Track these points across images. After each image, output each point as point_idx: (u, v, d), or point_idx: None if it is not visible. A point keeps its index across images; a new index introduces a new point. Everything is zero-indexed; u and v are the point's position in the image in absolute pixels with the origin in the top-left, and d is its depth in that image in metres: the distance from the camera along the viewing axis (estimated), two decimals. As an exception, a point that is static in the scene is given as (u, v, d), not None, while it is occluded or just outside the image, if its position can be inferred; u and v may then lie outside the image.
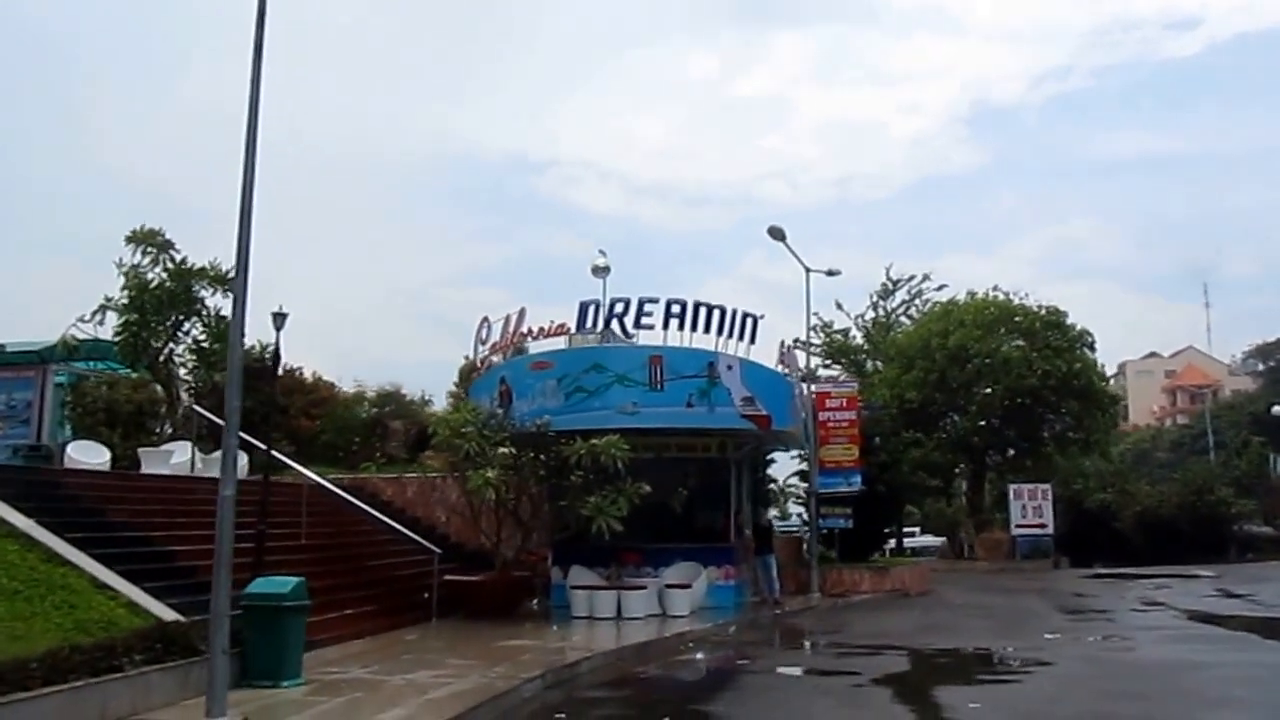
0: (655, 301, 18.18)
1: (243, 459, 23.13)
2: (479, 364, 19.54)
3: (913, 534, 53.49)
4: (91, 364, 26.80)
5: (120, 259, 23.68)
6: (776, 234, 23.25)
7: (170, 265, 23.48)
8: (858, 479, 23.75)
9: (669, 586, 18.64)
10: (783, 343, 19.73)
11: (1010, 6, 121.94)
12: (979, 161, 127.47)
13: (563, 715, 10.59)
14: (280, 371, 28.55)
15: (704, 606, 19.28)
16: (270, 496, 16.75)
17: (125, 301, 23.09)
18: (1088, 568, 37.50)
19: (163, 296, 23.49)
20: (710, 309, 18.35)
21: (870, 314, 48.54)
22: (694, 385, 18.23)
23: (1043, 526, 38.19)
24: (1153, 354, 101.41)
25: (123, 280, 23.12)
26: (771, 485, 27.33)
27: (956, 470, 43.45)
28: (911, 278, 48.16)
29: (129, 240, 23.72)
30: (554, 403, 18.31)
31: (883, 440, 27.84)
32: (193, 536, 15.58)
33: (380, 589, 17.60)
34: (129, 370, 25.72)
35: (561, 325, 18.37)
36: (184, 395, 26.47)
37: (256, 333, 27.68)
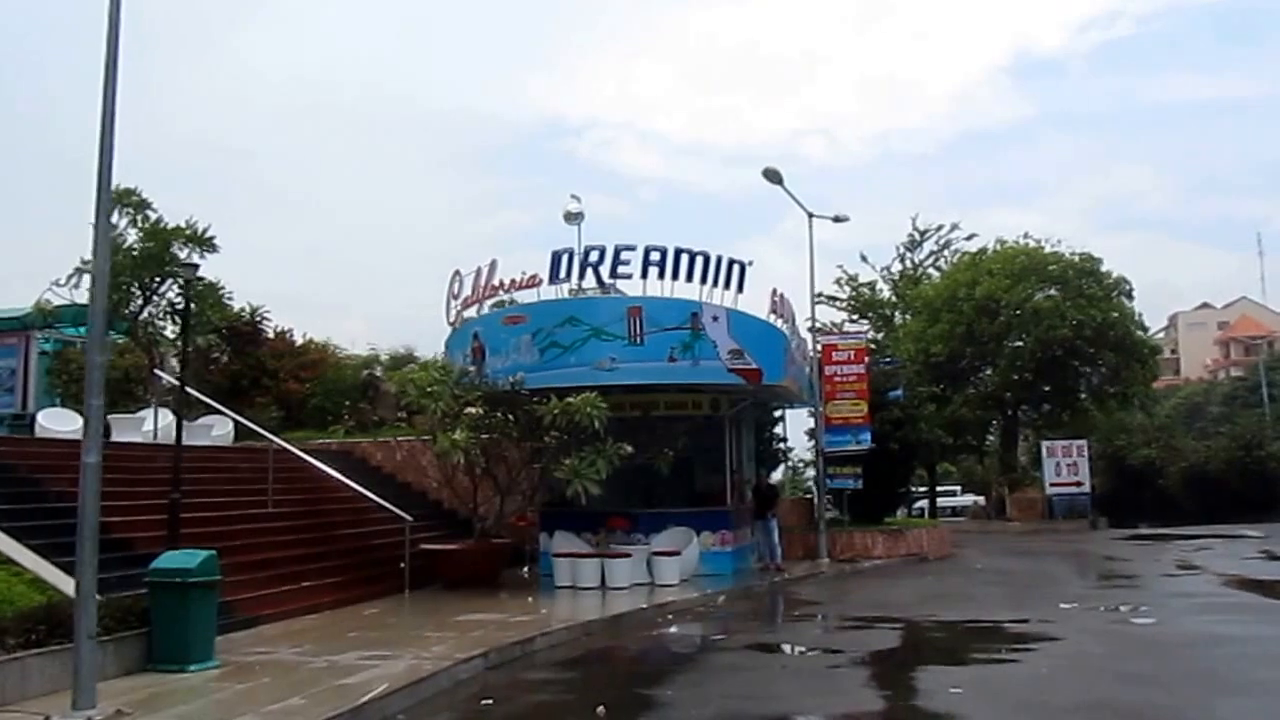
0: (632, 249, 16.82)
1: (227, 426, 22.38)
2: (452, 320, 18.30)
3: (953, 493, 52.00)
4: (80, 329, 26.02)
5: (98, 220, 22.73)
6: (772, 176, 21.75)
7: (144, 225, 22.46)
8: (867, 436, 22.34)
9: (656, 554, 17.41)
10: (775, 290, 18.24)
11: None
12: (1023, 114, 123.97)
13: (490, 701, 9.43)
14: (271, 334, 27.84)
15: (698, 574, 18.10)
16: (250, 464, 15.81)
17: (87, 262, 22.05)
18: (1131, 528, 35.81)
19: (139, 258, 22.51)
20: (693, 256, 16.96)
21: (897, 266, 46.84)
22: (676, 338, 16.90)
23: (1079, 485, 36.48)
24: (1205, 305, 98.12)
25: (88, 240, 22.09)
26: (780, 445, 25.92)
27: (990, 427, 41.70)
28: (940, 228, 46.41)
29: (104, 200, 22.76)
30: (528, 359, 17.09)
31: (906, 395, 26.29)
32: (138, 508, 14.72)
33: (350, 559, 16.64)
34: (120, 336, 24.91)
35: (534, 276, 17.07)
36: (173, 360, 25.68)
37: (245, 294, 26.93)
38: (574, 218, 18.19)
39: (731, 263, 17.18)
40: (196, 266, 15.26)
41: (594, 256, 16.88)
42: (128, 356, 24.15)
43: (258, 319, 26.58)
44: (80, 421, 20.65)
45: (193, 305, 23.02)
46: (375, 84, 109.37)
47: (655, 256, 16.79)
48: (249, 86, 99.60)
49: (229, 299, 25.44)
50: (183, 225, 22.67)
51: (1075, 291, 36.85)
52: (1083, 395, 39.83)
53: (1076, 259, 38.30)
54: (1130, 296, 38.23)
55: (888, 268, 46.99)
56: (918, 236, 47.07)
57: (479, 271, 17.71)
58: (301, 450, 21.93)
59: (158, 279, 22.79)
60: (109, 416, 21.27)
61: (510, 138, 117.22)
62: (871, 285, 47.06)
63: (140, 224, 22.59)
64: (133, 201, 22.76)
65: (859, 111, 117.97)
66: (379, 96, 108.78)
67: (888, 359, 32.40)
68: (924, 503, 41.32)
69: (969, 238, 45.38)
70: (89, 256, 22.40)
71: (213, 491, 16.74)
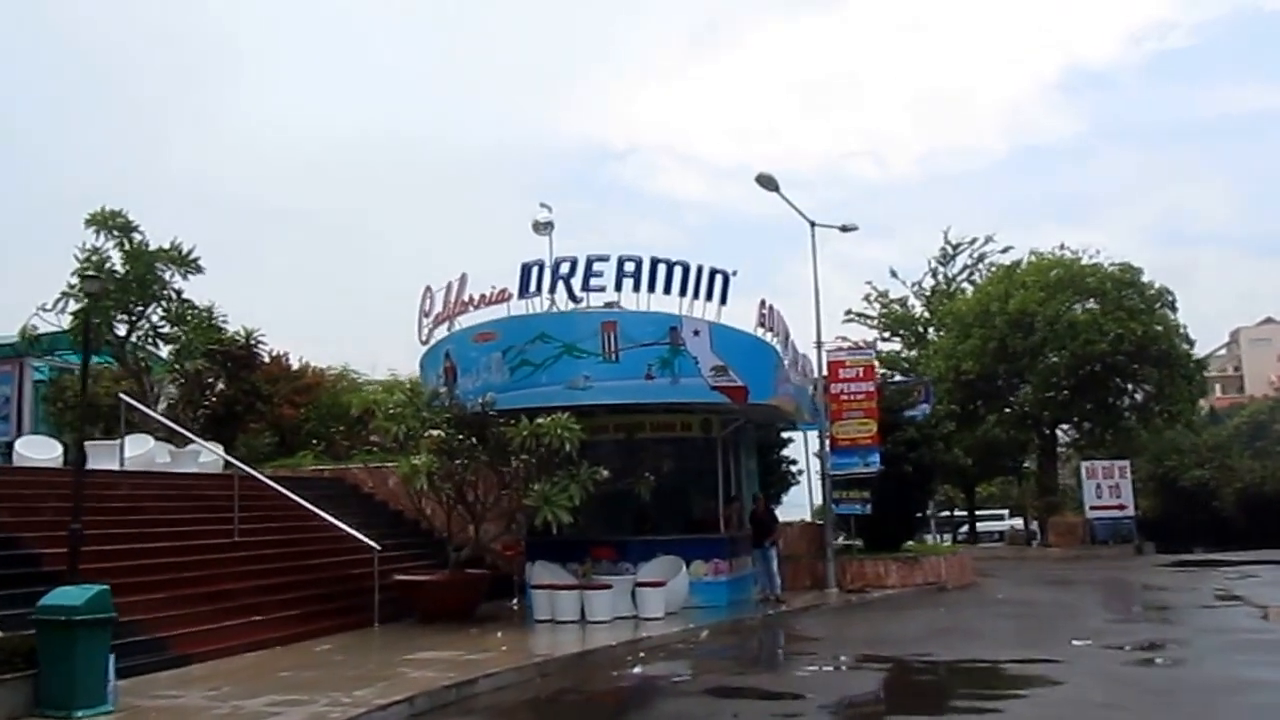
0: (605, 260, 15.78)
1: (219, 451, 21.60)
2: (424, 339, 17.37)
3: (999, 517, 50.14)
4: (77, 356, 25.54)
5: (84, 243, 22.17)
6: (767, 182, 20.58)
7: (128, 248, 21.90)
8: (876, 458, 21.01)
9: (640, 585, 16.27)
10: (763, 302, 17.05)
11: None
12: (1076, 128, 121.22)
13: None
14: (266, 358, 27.13)
15: (689, 606, 16.93)
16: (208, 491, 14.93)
17: (75, 288, 21.46)
18: (1184, 552, 33.97)
19: (128, 281, 21.93)
20: (670, 266, 15.89)
21: (930, 281, 45.36)
22: (654, 354, 15.81)
23: (1122, 508, 34.67)
24: (1269, 320, 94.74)
25: (76, 265, 21.52)
26: (790, 468, 24.61)
27: (1026, 448, 39.98)
28: (973, 241, 44.85)
29: (89, 223, 22.19)
30: (499, 378, 16.12)
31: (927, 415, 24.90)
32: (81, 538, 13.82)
33: (318, 590, 15.72)
34: (106, 361, 24.39)
35: (503, 290, 16.08)
36: (171, 387, 25.08)
37: (240, 318, 26.27)
38: (544, 228, 17.20)
39: (714, 273, 16.08)
40: (97, 278, 14.20)
41: (565, 268, 15.86)
42: (123, 383, 23.57)
43: (253, 342, 25.84)
44: (59, 449, 20.25)
45: (179, 329, 22.66)
46: (416, 122, 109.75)
47: (630, 267, 15.76)
48: (289, 135, 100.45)
49: (224, 323, 24.90)
50: (165, 247, 22.19)
51: (1114, 304, 35.14)
52: (1126, 413, 37.97)
53: (1115, 270, 36.58)
54: (1174, 308, 36.42)
55: (919, 283, 45.54)
56: (950, 250, 45.60)
57: (449, 287, 16.77)
58: (292, 477, 21.27)
59: (141, 304, 22.25)
60: (86, 443, 20.69)
61: (555, 166, 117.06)
62: (903, 301, 45.67)
63: (125, 247, 22.11)
64: (118, 224, 22.26)
65: (907, 131, 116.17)
66: (419, 135, 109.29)
67: (898, 377, 31.14)
68: (964, 529, 39.83)
69: (1004, 251, 43.83)
70: (74, 281, 22.19)
71: (178, 521, 16.00)
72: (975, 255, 45.25)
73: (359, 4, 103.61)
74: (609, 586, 16.01)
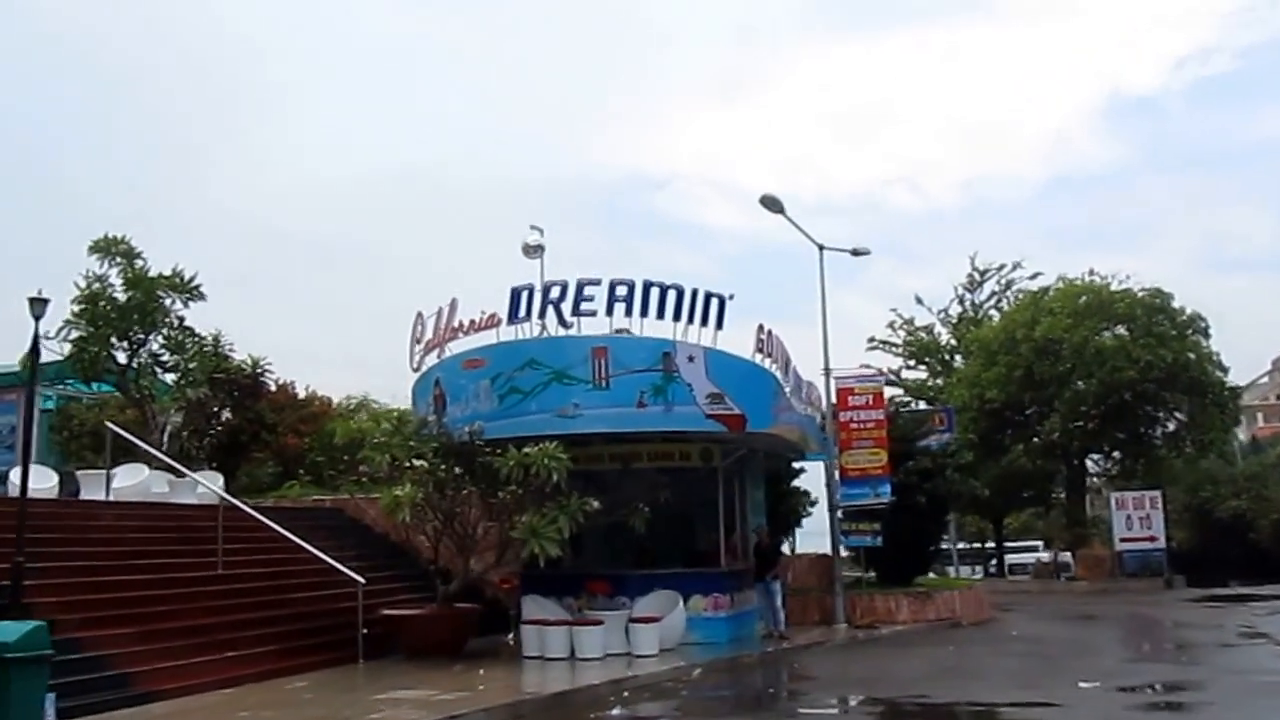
0: (597, 283, 15.31)
1: (218, 481, 21.26)
2: (415, 366, 16.98)
3: (1035, 549, 49.03)
4: (88, 386, 25.42)
5: (88, 270, 22.04)
6: (771, 204, 20.07)
7: (129, 274, 21.73)
8: (887, 489, 20.35)
9: (634, 621, 15.71)
10: (761, 327, 16.50)
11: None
12: (1119, 155, 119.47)
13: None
14: (273, 387, 26.87)
15: (687, 642, 16.33)
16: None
17: (77, 315, 21.33)
18: (1218, 586, 32.84)
19: (130, 307, 21.75)
20: (664, 289, 15.39)
21: (957, 308, 44.55)
22: (646, 380, 15.30)
23: (1152, 540, 33.62)
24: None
25: (76, 292, 21.40)
26: (803, 499, 23.92)
27: (1053, 478, 39.01)
28: (1001, 267, 44.02)
29: (92, 249, 22.07)
30: (487, 406, 15.66)
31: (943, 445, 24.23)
32: (45, 570, 13.47)
33: (301, 625, 15.26)
34: (106, 388, 24.25)
35: (492, 315, 15.65)
36: (176, 416, 24.85)
37: (247, 346, 26.05)
38: (534, 251, 16.77)
39: (709, 296, 15.57)
40: (46, 301, 13.94)
41: (555, 293, 15.41)
42: (129, 412, 23.41)
43: (259, 371, 25.61)
44: (54, 479, 19.99)
45: (178, 357, 22.46)
46: (455, 153, 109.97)
47: (622, 291, 15.27)
48: (330, 166, 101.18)
49: (230, 350, 24.71)
50: (167, 274, 22.01)
51: (1144, 330, 34.28)
52: (1158, 443, 36.97)
53: (1145, 295, 35.71)
54: (1207, 335, 35.47)
55: (945, 310, 44.77)
56: (978, 277, 44.83)
57: (439, 312, 16.39)
58: (293, 508, 20.92)
59: (142, 331, 22.06)
60: (79, 473, 20.48)
61: (593, 196, 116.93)
62: (929, 329, 44.91)
63: (126, 273, 21.96)
64: (121, 250, 22.11)
65: (946, 159, 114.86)
66: (458, 166, 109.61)
67: (922, 405, 30.41)
68: (993, 563, 38.86)
69: (1033, 277, 42.95)
70: (77, 308, 22.07)
71: (160, 552, 15.63)
72: (1003, 282, 44.54)
73: (402, 39, 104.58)
74: (600, 622, 15.46)
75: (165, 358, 21.91)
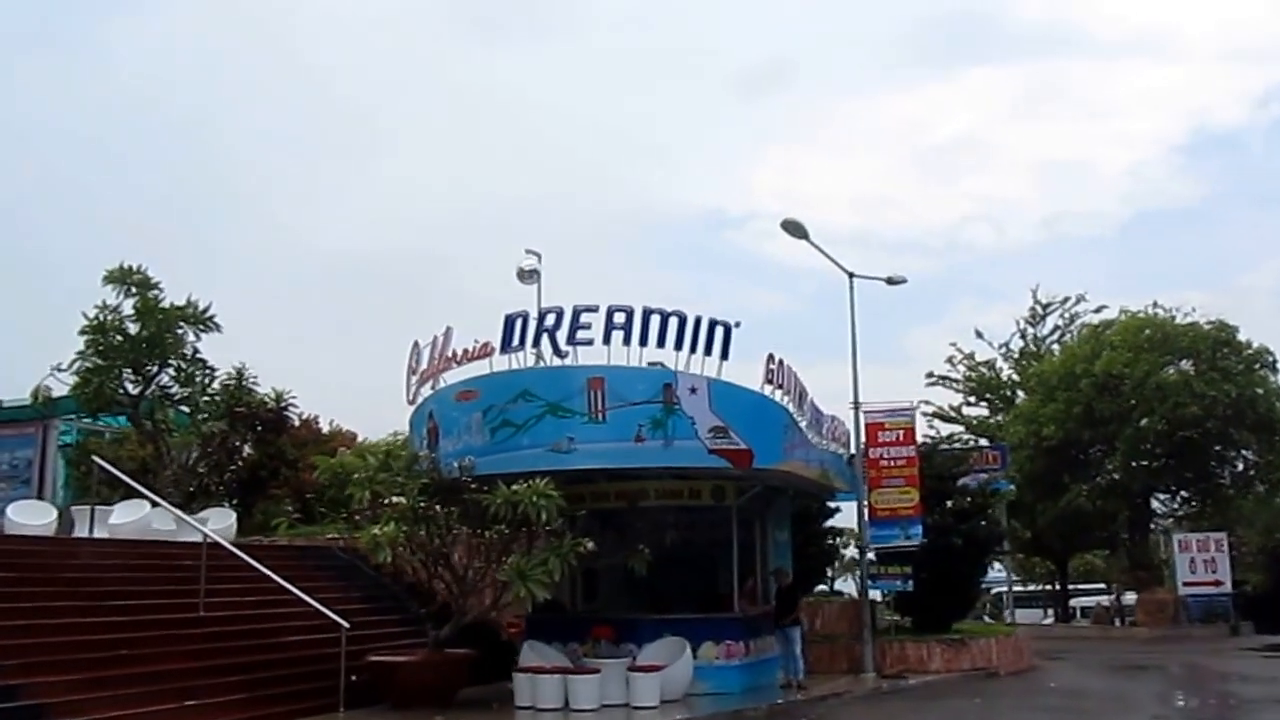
0: (594, 310, 14.44)
1: (228, 519, 20.69)
2: (411, 398, 16.26)
3: (1105, 593, 47.01)
4: (109, 419, 25.18)
5: (103, 301, 21.71)
6: (794, 229, 19.12)
7: (141, 306, 21.34)
8: (919, 530, 19.12)
9: (633, 669, 14.72)
10: (771, 356, 15.47)
11: (1225, 25, 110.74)
12: (1202, 192, 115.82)
13: None
14: (296, 421, 26.38)
15: (694, 693, 15.28)
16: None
17: (85, 347, 20.97)
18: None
19: (141, 339, 21.38)
20: (665, 317, 14.47)
21: (1019, 343, 42.97)
22: (644, 413, 14.34)
23: (1218, 584, 31.77)
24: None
25: (84, 323, 21.04)
26: (835, 540, 22.76)
27: (1114, 520, 37.18)
28: (1065, 300, 42.35)
29: (107, 279, 21.72)
30: (479, 440, 14.83)
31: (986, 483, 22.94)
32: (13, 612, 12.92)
33: (277, 672, 14.49)
34: (119, 421, 23.92)
35: (485, 345, 14.86)
36: (195, 448, 24.43)
37: (270, 379, 25.63)
38: (529, 276, 16.00)
39: (714, 324, 14.62)
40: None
41: (550, 320, 14.59)
42: (145, 447, 23.04)
43: (283, 405, 25.14)
44: (53, 514, 19.51)
45: (186, 390, 22.02)
46: (533, 192, 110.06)
47: (620, 319, 14.39)
48: (407, 200, 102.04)
49: (254, 384, 24.31)
50: (179, 305, 21.62)
51: (1208, 364, 32.59)
52: (1225, 482, 35.11)
53: (1210, 328, 34.02)
54: (1275, 369, 33.64)
55: (1006, 344, 43.19)
56: (1040, 310, 43.21)
57: (434, 341, 15.66)
58: (306, 546, 20.26)
59: (155, 364, 21.67)
60: (73, 509, 20.02)
61: (671, 234, 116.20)
62: (990, 364, 43.35)
63: (140, 306, 21.59)
64: (136, 280, 21.75)
65: (1026, 196, 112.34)
66: (536, 204, 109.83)
67: (983, 442, 29.03)
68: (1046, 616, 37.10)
69: (1097, 310, 41.14)
70: (85, 340, 21.75)
71: (138, 593, 14.92)
72: (1067, 315, 42.85)
73: (480, 78, 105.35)
74: (596, 671, 14.50)
75: (174, 390, 21.34)
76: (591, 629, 15.85)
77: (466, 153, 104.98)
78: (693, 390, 14.50)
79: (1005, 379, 42.94)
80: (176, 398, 21.64)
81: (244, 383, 24.24)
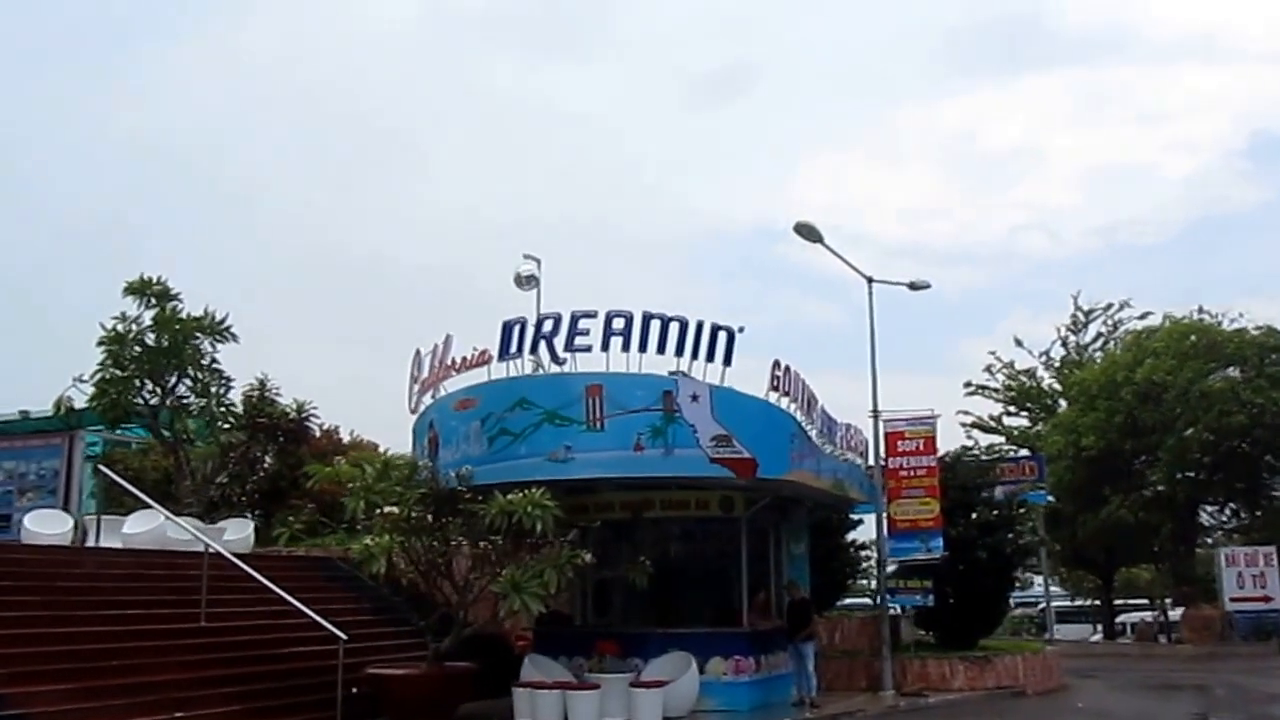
0: (592, 316, 14.08)
1: (246, 529, 20.61)
2: (413, 407, 16.01)
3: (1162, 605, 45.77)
4: (135, 430, 25.24)
5: (122, 312, 21.71)
6: (807, 232, 18.64)
7: (159, 316, 21.32)
8: (939, 543, 18.50)
9: (635, 685, 14.31)
10: (777, 363, 14.99)
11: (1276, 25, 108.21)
12: (1264, 197, 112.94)
13: None
14: (317, 432, 26.30)
15: (701, 710, 14.89)
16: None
17: (104, 358, 20.97)
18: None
19: (159, 350, 21.34)
20: (665, 321, 14.09)
21: (1060, 351, 41.99)
22: (644, 421, 13.96)
23: (1267, 600, 30.60)
24: None
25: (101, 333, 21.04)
26: (859, 553, 22.13)
27: (1157, 533, 36.03)
28: (1108, 307, 41.35)
29: (127, 290, 21.73)
30: (477, 449, 14.54)
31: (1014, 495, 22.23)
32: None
33: (274, 684, 14.25)
34: (138, 430, 23.93)
35: (483, 352, 14.57)
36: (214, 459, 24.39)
37: (292, 390, 25.58)
38: (527, 281, 15.67)
39: (716, 329, 14.21)
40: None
41: (548, 326, 14.26)
42: (169, 458, 23.04)
43: (304, 415, 25.05)
44: (69, 524, 19.51)
45: (200, 400, 21.95)
46: (583, 208, 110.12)
47: (619, 324, 14.02)
48: (455, 216, 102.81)
49: (277, 394, 24.26)
50: (196, 315, 21.56)
51: (1256, 371, 31.52)
52: (1277, 494, 33.95)
53: (1259, 334, 32.94)
54: (1327, 374, 32.44)
55: (1046, 352, 42.25)
56: (1082, 318, 42.24)
57: (435, 349, 15.41)
58: (323, 557, 20.10)
59: (174, 374, 21.62)
60: (89, 518, 20.00)
61: (723, 248, 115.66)
62: (1031, 373, 42.41)
63: (158, 317, 21.56)
64: (156, 291, 21.73)
65: (1081, 203, 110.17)
66: (587, 221, 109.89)
67: (1023, 452, 28.23)
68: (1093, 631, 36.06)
69: (1142, 316, 40.07)
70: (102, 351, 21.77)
71: (138, 603, 14.80)
72: (1111, 322, 41.83)
73: (523, 94, 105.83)
74: (596, 687, 14.11)
75: (189, 400, 21.28)
76: (595, 643, 15.52)
77: (508, 169, 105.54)
78: (694, 397, 14.10)
79: (1046, 388, 42.00)
80: (191, 408, 21.47)
81: (266, 393, 24.21)
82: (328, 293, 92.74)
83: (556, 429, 14.08)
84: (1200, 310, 35.33)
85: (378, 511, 13.73)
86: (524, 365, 14.52)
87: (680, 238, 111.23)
